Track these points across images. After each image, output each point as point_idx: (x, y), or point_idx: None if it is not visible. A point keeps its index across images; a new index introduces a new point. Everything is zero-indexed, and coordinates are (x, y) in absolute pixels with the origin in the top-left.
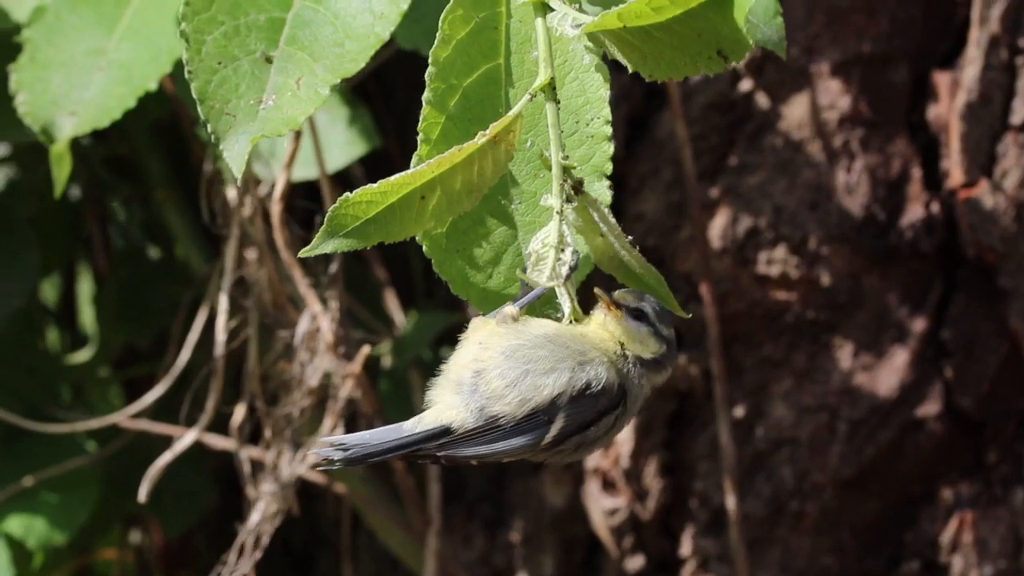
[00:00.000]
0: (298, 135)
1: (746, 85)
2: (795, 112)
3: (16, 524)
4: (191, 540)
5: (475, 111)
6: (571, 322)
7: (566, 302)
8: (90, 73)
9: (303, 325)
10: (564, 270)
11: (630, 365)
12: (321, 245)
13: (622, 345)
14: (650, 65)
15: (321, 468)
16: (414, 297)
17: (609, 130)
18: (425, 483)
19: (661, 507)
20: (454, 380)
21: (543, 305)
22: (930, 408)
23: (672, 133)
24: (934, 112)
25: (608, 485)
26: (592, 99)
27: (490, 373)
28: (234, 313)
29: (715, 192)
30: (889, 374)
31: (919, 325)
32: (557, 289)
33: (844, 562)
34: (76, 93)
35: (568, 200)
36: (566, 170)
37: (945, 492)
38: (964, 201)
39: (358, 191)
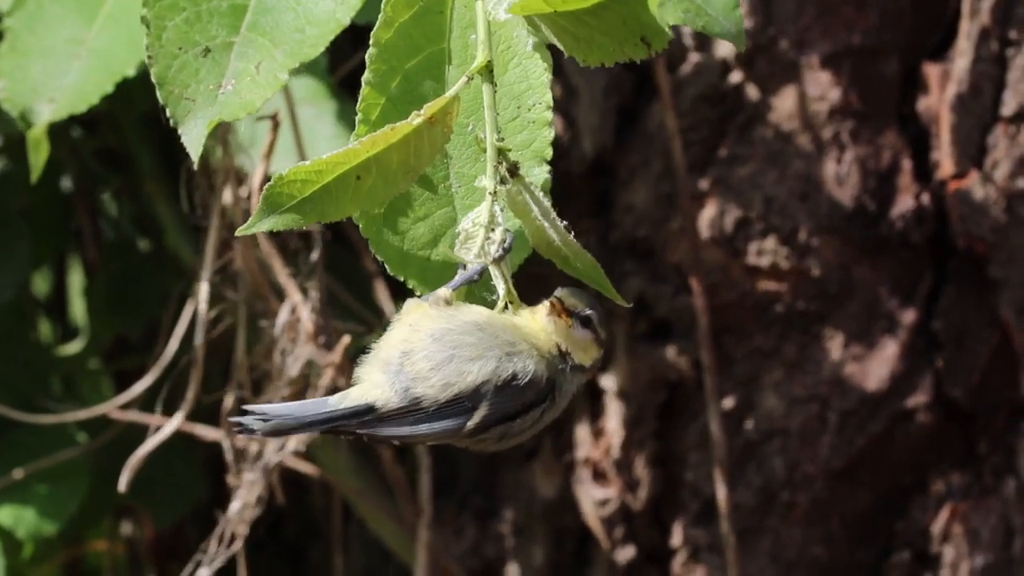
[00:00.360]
0: (277, 126)
1: (736, 77)
2: (785, 104)
3: (6, 515)
4: (182, 531)
5: (415, 93)
6: (506, 305)
7: (500, 284)
8: (69, 61)
9: (283, 315)
10: (492, 248)
11: (564, 365)
12: (258, 223)
13: (558, 347)
14: (583, 49)
15: (241, 434)
16: (404, 288)
17: (550, 116)
18: (416, 474)
19: (652, 498)
20: (382, 359)
21: (480, 288)
22: (920, 399)
23: (662, 124)
24: (924, 104)
25: (599, 476)
26: (534, 84)
27: (416, 354)
28: (219, 303)
29: (705, 183)
30: (880, 365)
31: (909, 316)
32: (492, 271)
33: (835, 552)
34: (55, 81)
35: (503, 182)
36: (501, 152)
37: (936, 482)
38: (954, 192)
39: (291, 168)
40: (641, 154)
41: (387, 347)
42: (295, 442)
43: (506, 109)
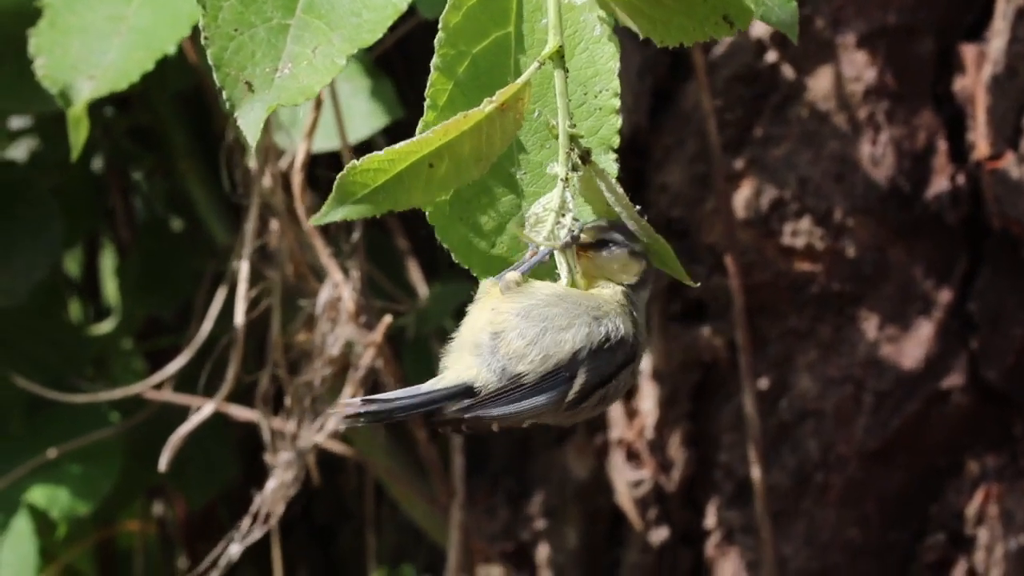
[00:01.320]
0: (319, 105)
1: (771, 57)
2: (820, 84)
3: (40, 494)
4: (214, 512)
5: (483, 79)
6: None
7: (565, 271)
8: (109, 38)
9: (324, 294)
10: (562, 234)
11: (633, 304)
12: (331, 213)
13: (620, 292)
14: (660, 31)
15: (347, 426)
16: (437, 268)
17: (618, 103)
18: (448, 455)
19: (685, 479)
20: (471, 343)
21: (542, 276)
22: (955, 380)
23: (697, 105)
24: (960, 84)
25: (632, 457)
26: (602, 70)
27: (509, 334)
28: (256, 283)
29: (740, 164)
30: (914, 346)
31: (944, 297)
32: (557, 257)
33: (869, 534)
34: (95, 58)
35: (574, 169)
36: (573, 139)
37: (971, 464)
38: (990, 173)
39: (366, 158)
40: (676, 134)
41: (472, 331)
42: (333, 423)
43: (573, 94)
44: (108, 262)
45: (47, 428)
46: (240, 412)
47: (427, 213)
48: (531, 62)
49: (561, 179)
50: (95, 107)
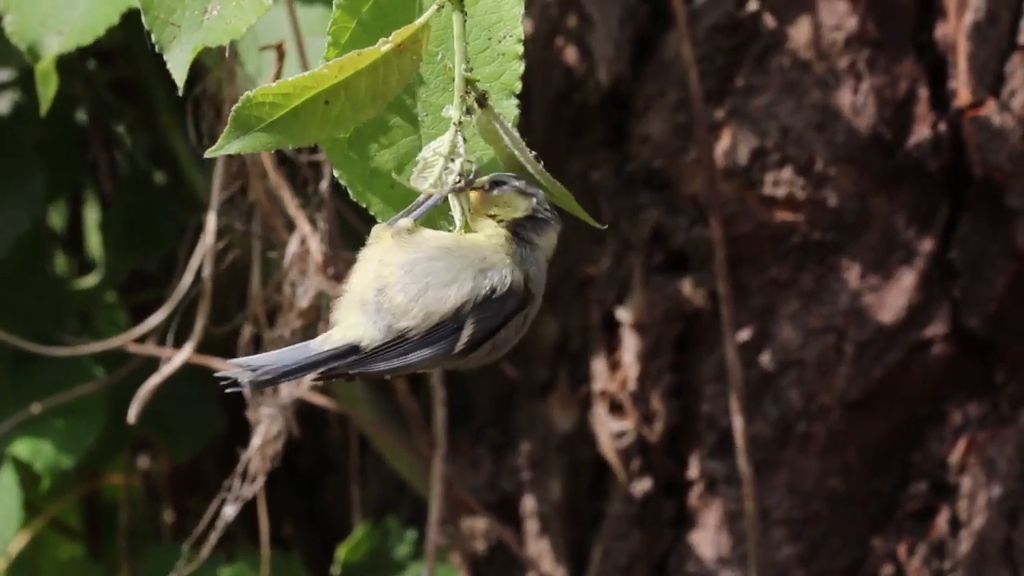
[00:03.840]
0: (282, 56)
1: (752, 6)
2: (801, 33)
3: (24, 448)
4: (200, 465)
5: (388, 19)
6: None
7: (458, 215)
8: None
9: (292, 246)
10: (450, 178)
11: (522, 246)
12: (227, 145)
13: (507, 229)
14: None
15: (228, 389)
16: None
17: (520, 48)
18: (431, 407)
19: (668, 430)
20: (358, 299)
21: (439, 217)
22: (937, 329)
23: (678, 55)
24: (941, 32)
25: (615, 408)
26: (506, 16)
27: (392, 289)
28: (225, 234)
29: (721, 113)
30: (896, 295)
31: (926, 246)
32: (451, 201)
33: (852, 483)
34: (63, 13)
35: (469, 112)
36: (469, 82)
37: (953, 413)
38: (971, 121)
39: (259, 89)
40: (657, 84)
41: (360, 285)
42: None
43: (476, 40)
44: (92, 215)
45: (31, 381)
46: (220, 364)
47: (325, 149)
48: (432, 5)
49: (454, 123)
50: (77, 60)
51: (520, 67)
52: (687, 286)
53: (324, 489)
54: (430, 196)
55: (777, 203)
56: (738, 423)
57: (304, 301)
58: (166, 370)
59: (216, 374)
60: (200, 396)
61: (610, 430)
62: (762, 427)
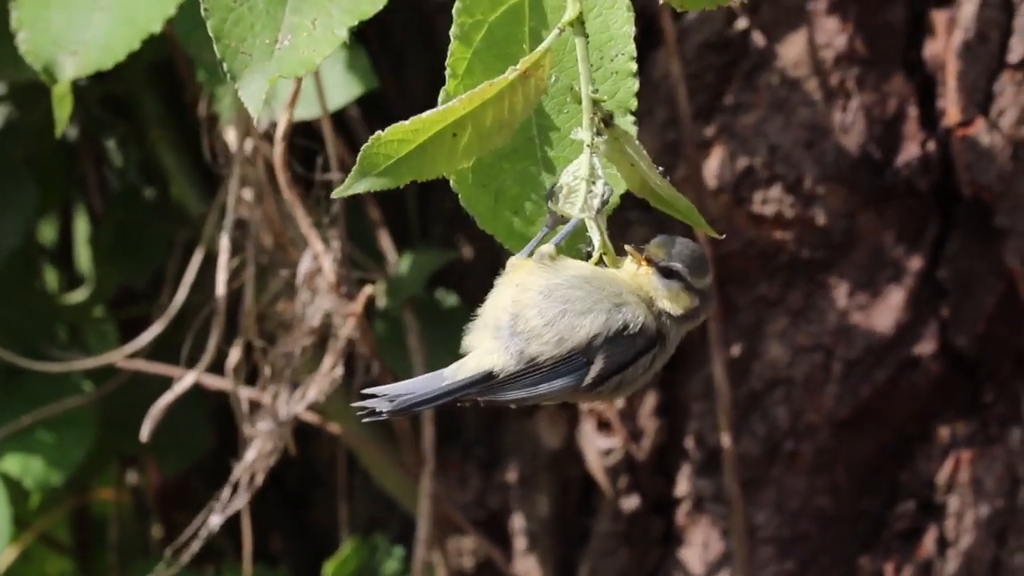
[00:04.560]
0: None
1: (742, 23)
2: (791, 51)
3: (13, 463)
4: (188, 481)
5: (500, 47)
6: (601, 256)
7: (596, 236)
8: (89, 13)
9: (305, 265)
10: (595, 202)
11: (663, 314)
12: (354, 185)
13: (651, 296)
14: None
15: (367, 419)
16: (409, 236)
17: (634, 66)
18: (419, 424)
19: (656, 447)
20: (492, 324)
21: (574, 239)
22: (926, 347)
23: (667, 72)
24: (931, 50)
25: (603, 426)
26: (616, 35)
27: (528, 311)
28: (235, 254)
29: (710, 131)
30: (885, 313)
31: (915, 264)
32: (588, 223)
33: (839, 502)
34: (76, 33)
35: (598, 133)
36: (596, 103)
37: (941, 432)
38: (960, 139)
39: (390, 129)
40: (646, 102)
41: (495, 310)
42: (313, 394)
43: (590, 60)
44: (82, 230)
45: (20, 396)
46: (215, 382)
47: (451, 181)
48: (543, 29)
49: (587, 145)
50: None
51: (635, 84)
52: None
53: (312, 505)
54: (566, 220)
55: (766, 221)
56: (726, 441)
57: (315, 320)
58: (178, 388)
59: (353, 404)
60: (190, 413)
61: (598, 447)
62: (750, 445)
